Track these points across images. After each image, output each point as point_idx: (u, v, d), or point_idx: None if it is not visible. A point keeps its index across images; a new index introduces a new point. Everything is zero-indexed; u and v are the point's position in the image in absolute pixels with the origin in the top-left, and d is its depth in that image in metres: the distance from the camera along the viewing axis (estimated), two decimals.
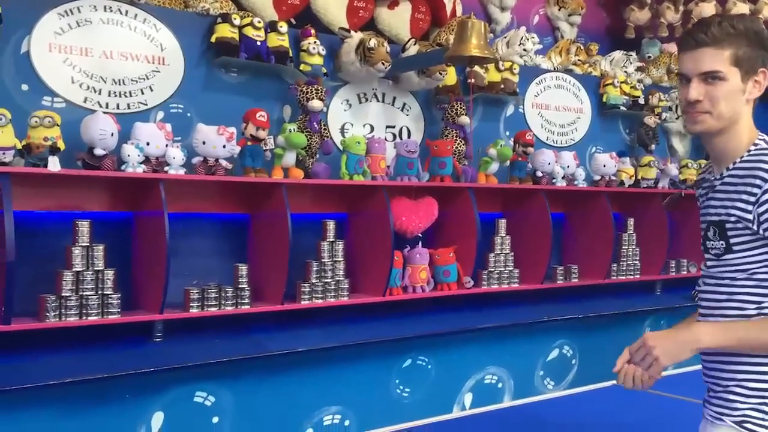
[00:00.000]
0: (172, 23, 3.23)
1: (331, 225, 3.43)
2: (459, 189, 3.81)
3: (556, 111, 4.61)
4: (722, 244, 1.63)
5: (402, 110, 3.97)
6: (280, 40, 3.36)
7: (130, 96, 3.12)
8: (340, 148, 3.56)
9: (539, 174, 4.12)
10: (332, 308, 3.41)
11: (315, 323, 3.37)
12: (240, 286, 3.13)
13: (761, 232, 1.55)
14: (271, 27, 3.37)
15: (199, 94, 3.29)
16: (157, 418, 2.89)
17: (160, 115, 3.19)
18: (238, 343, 3.06)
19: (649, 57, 5.27)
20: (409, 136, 3.97)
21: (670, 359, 1.57)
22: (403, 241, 3.65)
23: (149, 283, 2.97)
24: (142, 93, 3.15)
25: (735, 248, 1.60)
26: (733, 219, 1.59)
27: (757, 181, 1.54)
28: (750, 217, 1.55)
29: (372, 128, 3.85)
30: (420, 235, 3.72)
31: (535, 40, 4.41)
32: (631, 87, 4.82)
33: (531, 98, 4.49)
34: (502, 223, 4.06)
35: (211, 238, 3.34)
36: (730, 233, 1.60)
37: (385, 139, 3.75)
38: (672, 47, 5.39)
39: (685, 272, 4.76)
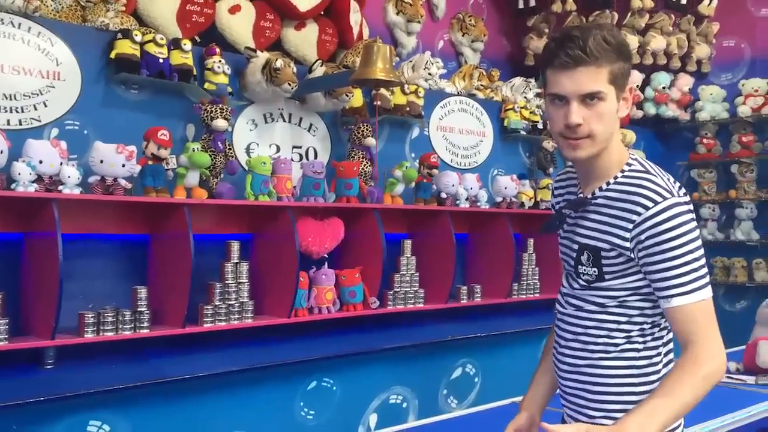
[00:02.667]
0: (69, 38, 3.12)
1: (235, 246, 3.38)
2: (365, 210, 3.84)
3: (460, 134, 4.73)
4: (595, 271, 1.52)
5: (309, 131, 3.97)
6: (184, 57, 3.31)
7: (22, 112, 2.99)
8: (246, 168, 3.52)
9: (443, 195, 4.21)
10: (236, 331, 3.35)
11: (218, 347, 3.30)
12: (139, 309, 3.03)
13: (637, 260, 1.46)
14: (174, 44, 3.31)
15: (97, 111, 3.18)
16: None
17: (55, 132, 3.06)
18: (136, 369, 2.95)
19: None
20: (315, 156, 3.97)
21: None
22: (309, 261, 3.64)
23: (40, 307, 2.83)
24: (35, 109, 3.02)
25: (607, 276, 1.51)
26: (608, 247, 1.49)
27: (638, 208, 1.44)
28: (628, 245, 1.46)
29: (278, 148, 3.83)
30: (326, 255, 3.72)
31: (439, 65, 4.52)
32: (530, 112, 5.01)
33: (436, 121, 4.58)
34: (408, 244, 4.11)
35: (109, 259, 3.22)
36: (604, 261, 1.50)
37: (292, 160, 3.74)
38: None
39: None
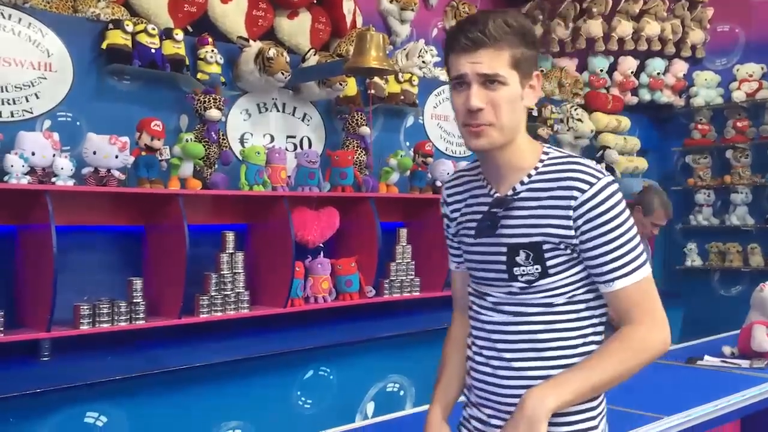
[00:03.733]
0: (60, 28, 3.09)
1: (230, 236, 3.37)
2: (360, 199, 3.84)
3: (455, 122, 4.71)
4: (537, 269, 1.40)
5: (303, 120, 3.96)
6: (176, 47, 3.29)
7: (14, 103, 2.97)
8: (240, 158, 3.51)
9: (439, 184, 4.20)
10: (232, 321, 3.35)
11: (214, 337, 3.29)
12: (134, 300, 3.03)
13: (579, 245, 1.38)
14: (166, 34, 3.29)
15: (89, 102, 3.17)
16: None
17: (47, 123, 3.05)
18: (132, 360, 2.95)
19: (542, 71, 5.48)
20: (309, 146, 3.96)
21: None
22: (305, 251, 3.64)
23: (35, 299, 2.82)
24: (27, 100, 3.00)
25: (551, 271, 1.40)
26: (549, 240, 1.39)
27: (574, 192, 1.37)
28: (571, 233, 1.38)
29: (272, 138, 3.82)
30: (321, 245, 3.72)
31: (433, 53, 4.51)
32: None
33: (430, 109, 4.57)
34: (403, 233, 4.11)
35: (103, 251, 3.21)
36: (547, 255, 1.40)
37: (286, 150, 3.73)
38: (563, 62, 5.65)
39: None
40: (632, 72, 5.80)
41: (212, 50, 3.41)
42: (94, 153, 2.91)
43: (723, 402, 2.27)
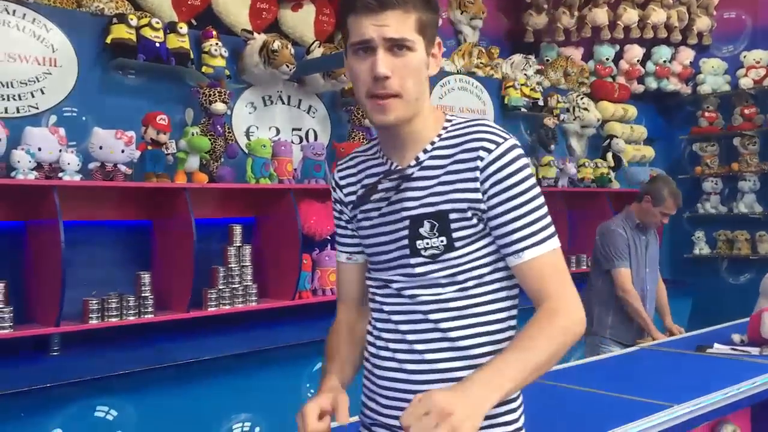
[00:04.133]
0: (64, 23, 3.09)
1: (237, 229, 3.38)
2: None
3: (460, 112, 4.71)
4: (442, 241, 1.27)
5: (308, 112, 3.96)
6: (180, 41, 3.28)
7: (20, 99, 2.97)
8: (246, 151, 3.51)
9: None
10: (241, 314, 3.36)
11: (223, 330, 3.30)
12: (143, 294, 3.04)
13: (488, 211, 1.26)
14: (170, 28, 3.29)
15: (94, 96, 3.17)
16: None
17: (53, 119, 3.05)
18: (142, 354, 2.96)
19: (547, 60, 5.47)
20: (315, 138, 3.96)
21: (473, 429, 1.07)
22: (312, 243, 3.64)
23: (44, 294, 2.83)
24: (33, 96, 3.00)
25: (458, 244, 1.28)
26: (458, 205, 1.27)
27: (480, 153, 1.26)
28: (478, 197, 1.26)
29: (278, 131, 3.81)
30: (329, 237, 3.72)
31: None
32: (530, 89, 4.98)
33: (436, 100, 4.56)
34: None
35: (111, 246, 3.22)
36: (454, 225, 1.27)
37: (292, 142, 3.72)
38: (568, 51, 5.62)
39: (584, 267, 4.96)
40: (638, 60, 5.77)
41: (216, 43, 3.40)
42: (101, 148, 2.92)
43: (733, 390, 2.25)
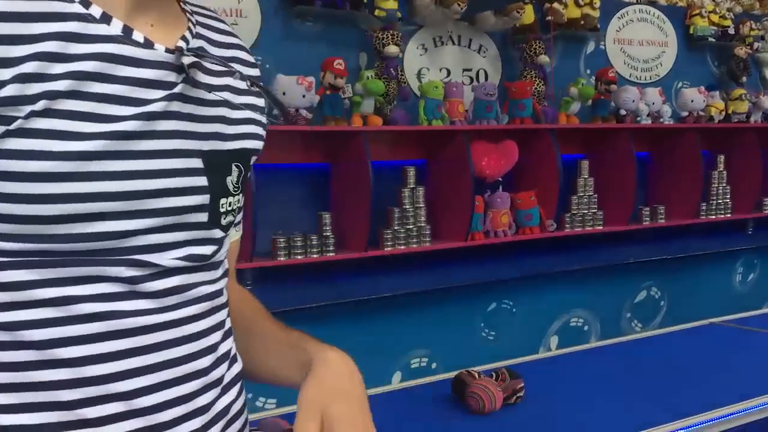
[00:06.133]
0: None
1: (411, 171, 3.43)
2: (539, 131, 3.73)
3: (640, 46, 4.42)
4: (240, 200, 0.90)
5: (479, 52, 3.89)
6: None
7: None
8: (418, 93, 3.53)
9: (623, 112, 3.99)
10: (415, 254, 3.43)
11: (399, 269, 3.40)
12: (324, 234, 3.18)
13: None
14: None
15: (276, 45, 3.30)
16: None
17: None
18: (325, 290, 3.13)
19: None
20: (486, 78, 3.89)
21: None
22: (484, 185, 3.62)
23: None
24: None
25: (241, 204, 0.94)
26: (258, 146, 0.93)
27: (250, 59, 1.03)
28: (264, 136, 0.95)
29: (449, 72, 3.79)
30: (500, 179, 3.68)
31: None
32: (720, 16, 4.56)
33: (613, 33, 4.31)
34: (585, 165, 3.96)
35: (294, 188, 3.38)
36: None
37: (463, 83, 3.69)
38: None
39: None
40: None
41: None
42: (284, 93, 3.05)
43: None
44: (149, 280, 0.77)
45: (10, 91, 0.66)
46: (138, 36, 0.75)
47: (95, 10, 0.72)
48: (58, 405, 0.72)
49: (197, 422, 0.82)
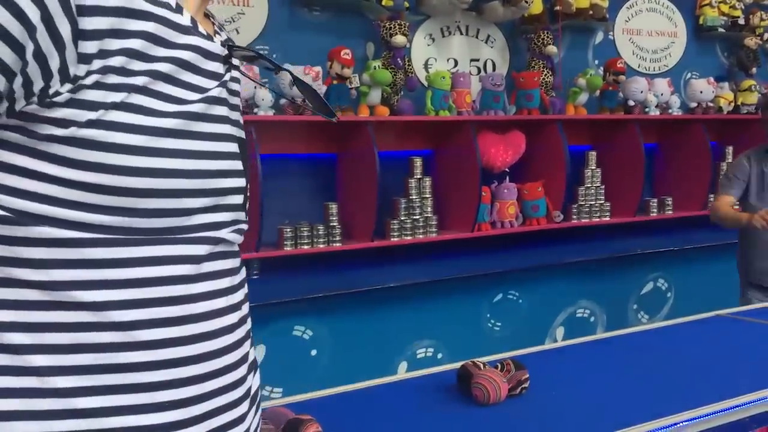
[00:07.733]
0: None
1: (418, 162, 3.42)
2: (547, 121, 3.72)
3: (649, 36, 4.40)
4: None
5: (486, 42, 3.87)
6: None
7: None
8: (425, 83, 3.52)
9: (631, 103, 3.97)
10: (421, 245, 3.43)
11: (405, 260, 3.40)
12: (331, 224, 3.18)
13: None
14: None
15: (283, 34, 3.29)
16: (260, 350, 3.02)
17: None
18: (331, 280, 3.13)
19: None
20: (494, 68, 3.88)
21: None
22: (491, 176, 3.62)
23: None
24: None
25: None
26: None
27: None
28: None
29: (456, 62, 3.78)
30: (507, 169, 3.67)
31: None
32: (730, 6, 4.53)
33: (621, 24, 4.29)
34: (592, 156, 3.95)
35: (301, 178, 3.39)
36: None
37: (470, 73, 3.68)
38: None
39: None
40: None
41: None
42: (291, 83, 3.04)
43: None
44: (211, 260, 0.80)
45: (117, 62, 0.70)
46: (202, 29, 0.79)
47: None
48: (134, 387, 0.73)
49: (245, 405, 0.85)
